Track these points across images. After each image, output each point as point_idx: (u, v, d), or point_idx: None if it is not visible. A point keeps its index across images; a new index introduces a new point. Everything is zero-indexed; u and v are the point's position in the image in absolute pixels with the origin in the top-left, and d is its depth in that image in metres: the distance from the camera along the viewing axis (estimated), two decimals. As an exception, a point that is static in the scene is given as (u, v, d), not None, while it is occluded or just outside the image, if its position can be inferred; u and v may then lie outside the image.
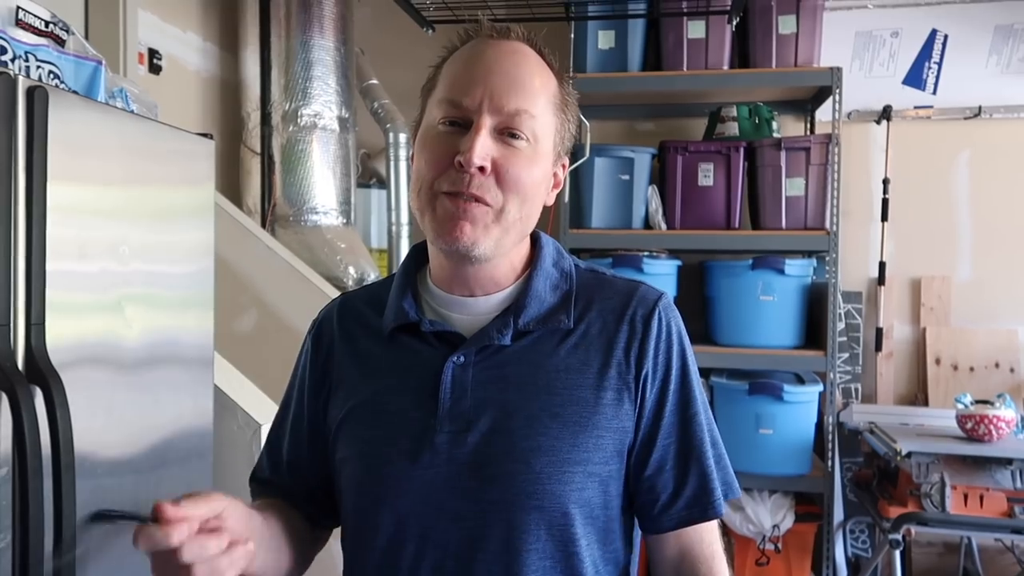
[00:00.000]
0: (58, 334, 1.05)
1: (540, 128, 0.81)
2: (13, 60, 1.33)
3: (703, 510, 0.85)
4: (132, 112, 1.52)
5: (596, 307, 0.86)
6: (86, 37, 2.50)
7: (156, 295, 1.29)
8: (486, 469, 0.79)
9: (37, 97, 1.03)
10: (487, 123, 0.79)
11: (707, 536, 0.86)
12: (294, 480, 0.92)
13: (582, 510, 0.80)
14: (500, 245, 0.81)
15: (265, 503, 0.90)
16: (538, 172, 0.82)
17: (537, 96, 0.81)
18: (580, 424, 0.81)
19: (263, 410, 1.59)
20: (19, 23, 1.38)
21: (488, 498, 0.79)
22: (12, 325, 0.98)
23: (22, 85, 1.02)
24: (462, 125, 0.80)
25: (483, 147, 0.78)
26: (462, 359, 0.83)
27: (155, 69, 2.68)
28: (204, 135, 1.47)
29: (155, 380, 1.28)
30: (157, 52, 2.70)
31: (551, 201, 0.88)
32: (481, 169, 0.78)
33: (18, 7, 1.37)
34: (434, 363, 0.83)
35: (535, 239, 0.91)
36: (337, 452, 0.86)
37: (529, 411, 0.81)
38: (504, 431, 0.80)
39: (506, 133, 0.80)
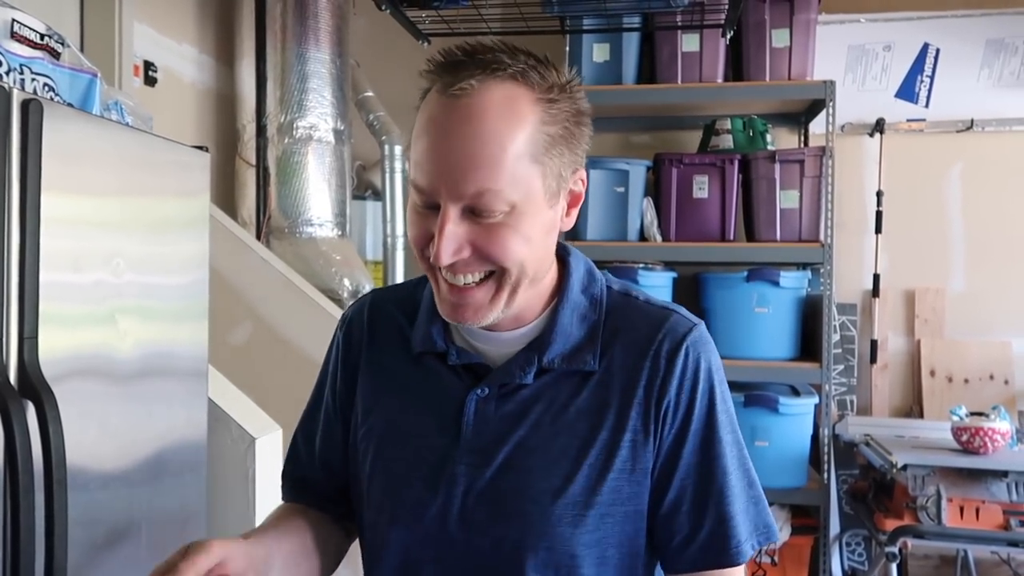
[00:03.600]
0: (51, 346, 1.04)
1: (514, 193, 0.73)
2: (8, 73, 1.33)
3: (718, 555, 0.81)
4: (127, 125, 1.52)
5: (622, 339, 0.82)
6: (81, 49, 2.50)
7: (150, 307, 1.29)
8: (500, 506, 0.79)
9: (32, 110, 1.03)
10: (452, 211, 0.73)
11: None
12: (327, 477, 0.92)
13: (593, 551, 0.79)
14: (511, 304, 0.78)
15: (285, 514, 0.90)
16: (525, 234, 0.75)
17: (500, 165, 0.72)
18: (598, 467, 0.79)
19: (257, 423, 1.58)
20: (14, 36, 1.37)
21: (499, 534, 0.79)
22: (4, 338, 0.97)
23: (17, 98, 1.02)
24: (434, 208, 0.75)
25: (450, 242, 0.73)
26: (486, 392, 0.81)
27: (151, 81, 2.68)
28: (199, 147, 1.46)
29: (149, 392, 1.27)
30: (153, 64, 2.70)
31: (569, 225, 0.82)
32: (459, 259, 0.74)
33: (13, 20, 1.37)
34: (458, 393, 0.82)
35: (564, 260, 0.86)
36: (361, 467, 0.86)
37: (547, 451, 0.80)
38: (521, 469, 0.80)
39: (475, 212, 0.73)
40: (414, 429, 0.83)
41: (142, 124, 1.64)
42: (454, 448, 0.81)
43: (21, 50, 1.37)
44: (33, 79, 1.39)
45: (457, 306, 0.77)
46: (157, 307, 1.31)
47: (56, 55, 1.48)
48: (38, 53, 1.42)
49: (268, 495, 1.54)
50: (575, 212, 0.82)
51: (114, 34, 2.53)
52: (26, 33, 1.40)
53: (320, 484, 0.92)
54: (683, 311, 0.85)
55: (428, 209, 0.75)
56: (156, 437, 1.28)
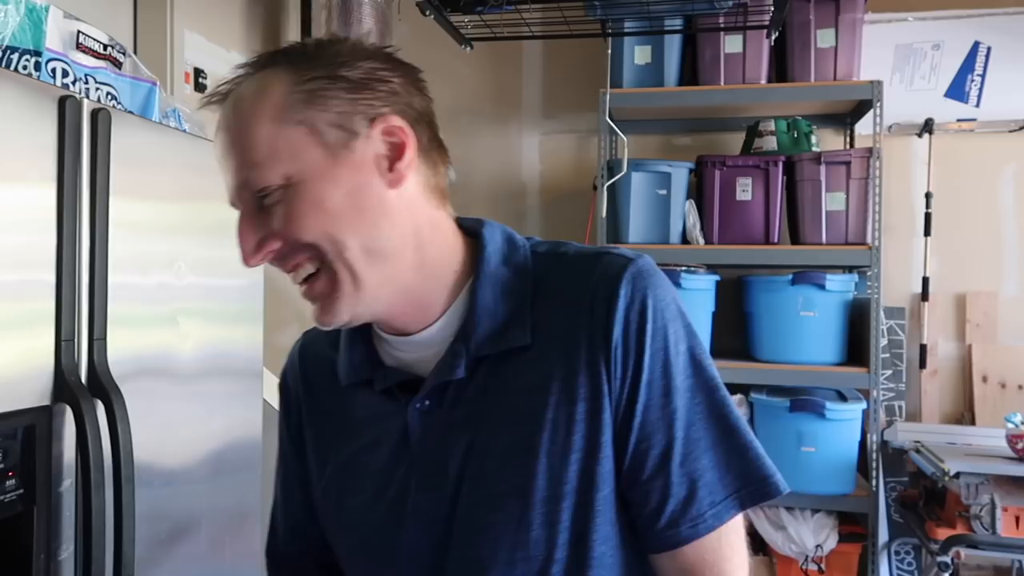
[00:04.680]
0: (118, 347, 1.07)
1: (279, 162, 0.67)
2: (74, 83, 1.37)
3: (694, 522, 0.69)
4: (185, 131, 1.56)
5: (555, 300, 0.71)
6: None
7: (209, 309, 1.32)
8: (467, 523, 0.70)
9: (100, 119, 1.06)
10: (243, 210, 0.70)
11: (711, 551, 0.70)
12: (298, 547, 0.86)
13: (577, 549, 0.69)
14: (361, 288, 0.69)
15: None
16: (316, 199, 0.67)
17: (252, 138, 0.67)
18: (557, 452, 0.69)
19: (309, 424, 1.60)
20: (79, 47, 1.42)
21: (474, 556, 0.70)
22: (76, 340, 1.01)
23: (87, 107, 1.05)
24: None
25: (247, 243, 0.69)
26: (426, 403, 0.73)
27: (201, 88, 2.74)
28: (255, 153, 1.50)
29: (208, 392, 1.30)
30: (202, 71, 2.76)
31: (400, 181, 0.69)
32: (271, 255, 0.69)
33: (79, 31, 1.42)
34: (400, 413, 0.74)
35: (477, 234, 0.76)
36: (326, 524, 0.81)
37: (499, 449, 0.70)
38: (477, 477, 0.70)
39: (260, 199, 0.68)
40: (368, 468, 0.76)
41: (197, 130, 1.68)
42: (410, 475, 0.73)
43: (86, 60, 1.42)
44: (97, 88, 1.43)
45: (314, 308, 0.71)
46: (216, 309, 1.34)
47: (118, 64, 1.53)
48: (101, 63, 1.47)
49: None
50: (403, 166, 0.70)
51: (166, 42, 2.60)
52: (90, 44, 1.44)
53: (294, 558, 0.87)
54: (620, 249, 0.74)
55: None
56: (215, 436, 1.31)
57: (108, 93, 1.48)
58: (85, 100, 1.06)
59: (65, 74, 1.36)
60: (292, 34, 3.04)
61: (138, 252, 1.14)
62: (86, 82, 1.41)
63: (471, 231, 0.76)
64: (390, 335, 0.75)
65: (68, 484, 0.98)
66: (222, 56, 2.92)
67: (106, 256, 1.06)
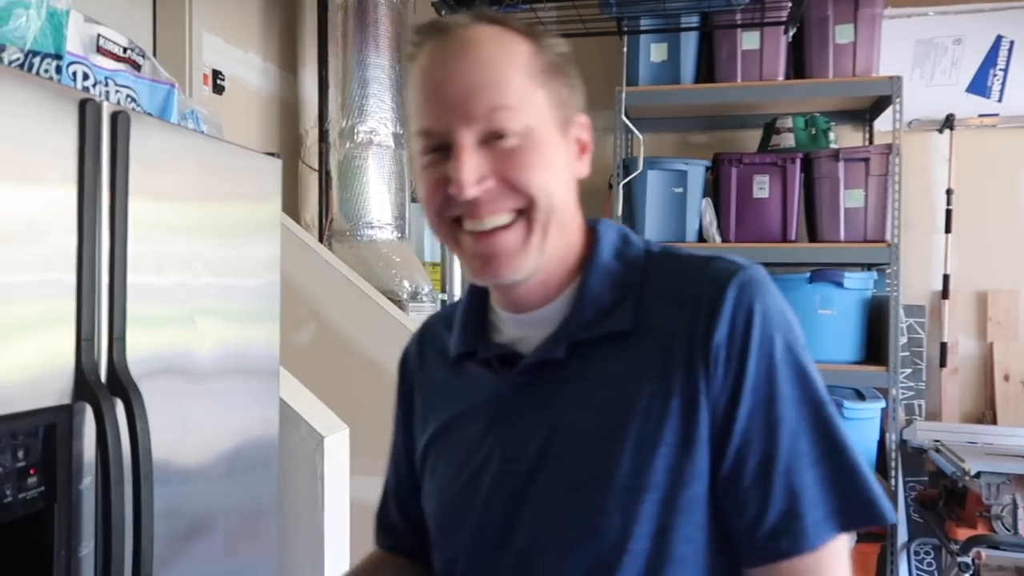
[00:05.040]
0: (136, 346, 1.09)
1: (528, 113, 0.70)
2: (95, 85, 1.39)
3: (792, 540, 0.66)
4: (203, 133, 1.58)
5: (661, 294, 0.73)
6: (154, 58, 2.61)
7: (226, 308, 1.33)
8: (539, 501, 0.71)
9: (120, 121, 1.07)
10: (467, 140, 0.69)
11: (807, 574, 0.67)
12: (401, 515, 0.90)
13: (656, 544, 0.67)
14: (542, 252, 0.72)
15: (373, 564, 0.92)
16: (547, 158, 0.71)
17: (507, 82, 0.69)
18: (644, 442, 0.68)
19: (325, 422, 1.62)
20: (100, 50, 1.44)
21: (541, 534, 0.71)
22: (96, 339, 1.02)
23: (106, 110, 1.07)
24: (444, 150, 0.70)
25: (471, 168, 0.69)
26: (520, 380, 0.75)
27: (219, 89, 2.77)
28: (272, 154, 1.51)
29: (225, 391, 1.31)
30: (220, 73, 2.79)
31: (585, 171, 0.77)
32: (485, 191, 0.69)
33: (99, 35, 1.44)
34: (495, 387, 0.77)
35: (593, 229, 0.79)
36: (423, 485, 0.84)
37: (583, 432, 0.70)
38: (557, 458, 0.71)
39: (492, 138, 0.69)
40: (459, 436, 0.79)
41: (215, 131, 1.70)
42: (495, 446, 0.75)
43: (106, 63, 1.44)
44: (117, 91, 1.45)
45: (488, 257, 0.71)
46: (233, 308, 1.35)
47: (137, 67, 1.55)
48: (121, 66, 1.49)
49: (336, 493, 1.58)
50: (587, 160, 0.77)
51: (185, 44, 2.63)
52: (110, 47, 1.46)
53: (399, 528, 0.91)
54: (731, 257, 0.74)
55: (438, 154, 0.71)
56: (232, 434, 1.33)
57: (128, 96, 1.50)
58: (105, 103, 1.07)
59: (86, 77, 1.38)
60: (309, 35, 3.06)
61: (156, 252, 1.16)
62: (106, 85, 1.43)
63: (590, 225, 0.80)
64: (505, 312, 0.79)
65: (88, 481, 1.00)
66: (240, 58, 2.95)
67: (125, 257, 1.08)
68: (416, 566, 0.89)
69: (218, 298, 1.31)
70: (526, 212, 0.71)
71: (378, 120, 2.94)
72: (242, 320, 1.38)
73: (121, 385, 1.03)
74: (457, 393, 0.81)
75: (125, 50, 1.52)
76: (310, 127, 3.01)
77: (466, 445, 0.78)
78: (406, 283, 2.82)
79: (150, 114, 1.52)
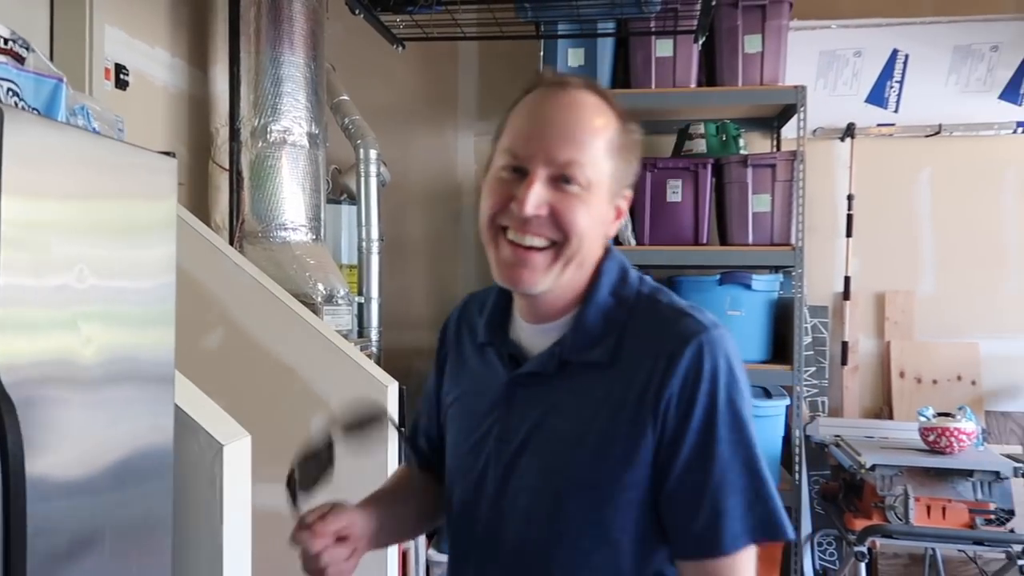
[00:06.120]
0: (10, 353, 1.03)
1: (593, 174, 0.89)
2: (-31, 77, 1.32)
3: (710, 546, 0.87)
4: (93, 130, 1.51)
5: (637, 338, 0.91)
6: (51, 52, 2.48)
7: (115, 312, 1.28)
8: (517, 476, 0.93)
9: (-9, 116, 1.02)
10: (541, 173, 0.88)
11: (725, 571, 0.87)
12: (429, 445, 1.14)
13: (596, 530, 0.89)
14: (558, 280, 0.91)
15: (403, 478, 1.17)
16: (593, 213, 0.90)
17: (589, 146, 0.89)
18: (596, 453, 0.89)
19: (226, 430, 1.57)
20: (-24, 40, 1.37)
21: (520, 496, 0.93)
22: (-39, 346, 0.97)
23: (-25, 103, 1.01)
24: (521, 172, 0.89)
25: (536, 196, 0.87)
26: (519, 379, 0.96)
27: (122, 84, 2.66)
28: (166, 153, 1.46)
29: (112, 399, 1.26)
30: (124, 67, 2.68)
31: (614, 232, 0.96)
32: (538, 216, 0.88)
33: (-24, 24, 1.36)
34: (503, 378, 0.98)
35: (600, 264, 0.96)
36: (444, 432, 1.08)
37: (559, 436, 0.91)
38: (536, 451, 0.93)
39: (560, 180, 0.88)
40: (473, 406, 1.01)
41: (109, 128, 1.63)
42: (495, 424, 0.97)
43: (-17, 55, 1.36)
44: (-4, 84, 1.38)
45: (517, 267, 0.90)
46: (122, 312, 1.30)
47: (20, 60, 1.47)
48: (1, 58, 1.41)
49: (236, 503, 1.54)
50: (618, 225, 0.96)
51: (84, 37, 2.51)
52: (-11, 38, 1.39)
53: (424, 450, 1.14)
54: (703, 314, 0.92)
55: (515, 174, 0.89)
56: (120, 444, 1.27)
57: (9, 89, 1.43)
58: (-27, 97, 1.02)
59: (-41, 69, 1.31)
60: (220, 31, 2.97)
61: (33, 254, 1.10)
62: (-17, 78, 1.36)
63: (601, 256, 0.97)
64: (521, 319, 0.99)
65: (-48, 498, 0.94)
66: (146, 52, 2.84)
67: (-4, 259, 1.02)
68: (433, 477, 1.12)
69: (106, 302, 1.26)
70: (559, 245, 0.90)
71: (292, 119, 2.88)
72: (133, 324, 1.33)
73: (-10, 395, 0.98)
74: (477, 373, 1.03)
75: (7, 41, 1.44)
76: (221, 125, 2.92)
77: (476, 415, 1.00)
78: (321, 286, 2.77)
79: (35, 109, 1.45)
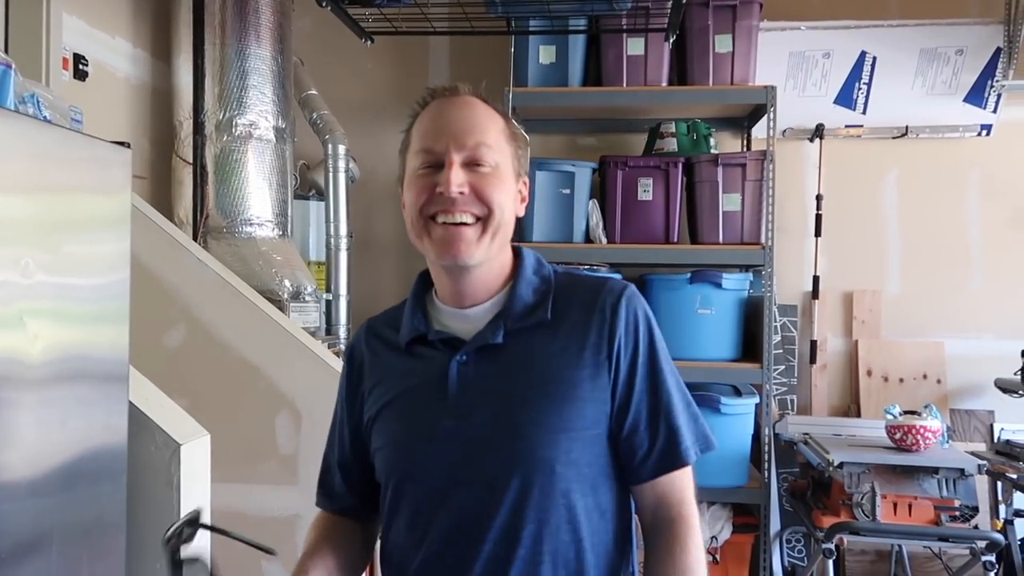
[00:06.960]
0: (-51, 351, 0.99)
1: (498, 155, 1.02)
2: (-90, 61, 1.26)
3: (673, 460, 1.02)
4: (44, 118, 1.46)
5: (574, 301, 1.05)
6: (6, 40, 2.40)
7: (64, 309, 1.23)
8: (490, 443, 0.99)
9: (-72, 100, 0.97)
10: (456, 158, 1.00)
11: (678, 482, 1.03)
12: (344, 479, 1.15)
13: (569, 468, 0.98)
14: (489, 251, 1.02)
15: (323, 534, 1.14)
16: (505, 188, 1.03)
17: (490, 130, 1.03)
18: (564, 399, 0.99)
19: (183, 429, 1.52)
20: (-81, 23, 1.31)
21: (494, 466, 0.98)
22: None
23: (-89, 87, 0.96)
24: (437, 167, 1.01)
25: (457, 175, 0.99)
26: (464, 358, 1.02)
27: (81, 75, 2.59)
28: (120, 143, 1.41)
29: (61, 398, 1.21)
30: (83, 58, 2.61)
31: (521, 212, 1.08)
32: (461, 193, 0.99)
33: (-82, 6, 1.30)
34: (443, 364, 1.03)
35: (517, 253, 1.10)
36: (373, 444, 1.08)
37: (522, 394, 1.00)
38: (503, 413, 1.00)
39: (472, 163, 1.01)
40: (412, 402, 1.05)
41: (62, 118, 1.57)
42: (443, 407, 1.01)
43: (-74, 38, 1.30)
44: (-61, 69, 1.32)
45: (453, 242, 1.00)
46: (72, 309, 1.25)
47: (-34, 45, 1.41)
48: (-54, 42, 1.35)
49: (194, 503, 1.49)
50: (523, 208, 1.09)
51: (41, 26, 2.44)
52: (-68, 21, 1.33)
53: (340, 491, 1.15)
54: (617, 278, 1.08)
55: (431, 169, 1.01)
56: (70, 445, 1.23)
57: (-46, 75, 1.37)
58: (-91, 81, 0.96)
59: (-101, 53, 1.25)
60: (183, 22, 2.89)
61: (-25, 247, 1.05)
62: (-75, 63, 1.30)
63: (514, 250, 1.11)
64: (446, 306, 1.07)
65: None
66: (106, 43, 2.77)
67: (-66, 251, 0.97)
68: (354, 523, 1.16)
69: (54, 298, 1.21)
70: (484, 220, 1.01)
71: (258, 113, 2.83)
72: (84, 321, 1.28)
73: (-74, 394, 0.93)
74: (409, 371, 1.07)
75: (-48, 26, 1.38)
76: (184, 118, 2.86)
77: (414, 407, 1.04)
78: (287, 283, 2.72)
79: (-19, 97, 1.39)
